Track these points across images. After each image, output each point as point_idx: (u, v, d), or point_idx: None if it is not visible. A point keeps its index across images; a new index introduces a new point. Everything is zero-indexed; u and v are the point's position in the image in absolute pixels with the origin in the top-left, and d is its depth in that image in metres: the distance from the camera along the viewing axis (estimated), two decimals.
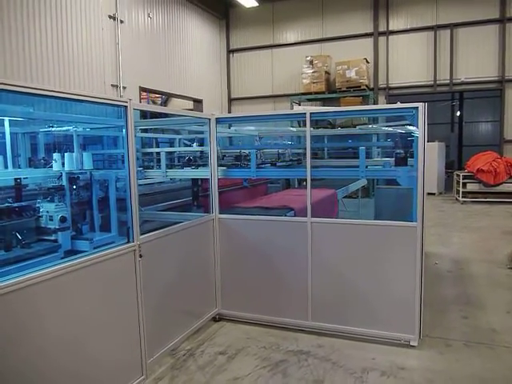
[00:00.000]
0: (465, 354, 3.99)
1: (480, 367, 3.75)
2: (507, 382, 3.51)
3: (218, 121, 4.75)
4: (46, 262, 3.22)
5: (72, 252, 4.00)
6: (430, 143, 12.28)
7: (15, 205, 4.03)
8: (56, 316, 2.75)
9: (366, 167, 4.73)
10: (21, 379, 2.56)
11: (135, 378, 3.45)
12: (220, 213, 4.73)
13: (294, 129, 9.89)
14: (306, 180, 4.42)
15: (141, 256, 3.46)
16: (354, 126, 12.31)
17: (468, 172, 14.04)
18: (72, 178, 4.33)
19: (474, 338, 4.30)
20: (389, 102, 15.50)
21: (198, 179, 5.51)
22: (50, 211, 4.05)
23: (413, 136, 4.20)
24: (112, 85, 12.09)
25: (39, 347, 2.64)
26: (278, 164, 6.23)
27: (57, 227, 4.01)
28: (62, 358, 2.80)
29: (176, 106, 17.18)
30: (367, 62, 15.82)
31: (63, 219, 4.03)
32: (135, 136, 3.45)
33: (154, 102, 17.53)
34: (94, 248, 3.90)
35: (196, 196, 5.51)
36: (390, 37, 16.18)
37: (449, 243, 8.54)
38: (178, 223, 4.20)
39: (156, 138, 8.90)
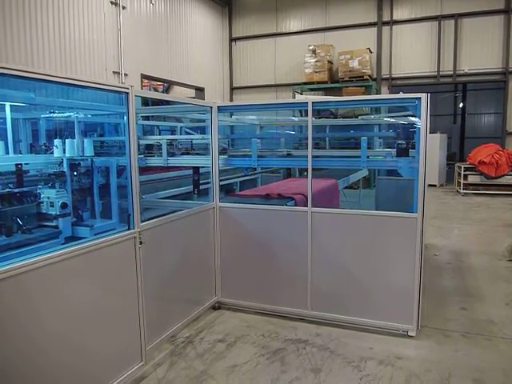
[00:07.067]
0: (463, 344, 4.01)
1: (478, 358, 3.77)
2: (505, 373, 3.53)
3: (220, 109, 4.73)
4: (46, 248, 3.23)
5: (73, 238, 4.01)
6: (431, 134, 12.29)
7: (16, 190, 4.04)
8: (54, 303, 2.75)
9: (368, 157, 4.72)
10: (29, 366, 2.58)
11: (134, 363, 3.47)
12: (220, 201, 4.73)
13: (296, 118, 9.86)
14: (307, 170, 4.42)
15: (141, 243, 3.46)
16: (356, 117, 12.27)
17: (469, 164, 14.01)
18: (73, 165, 4.33)
19: (473, 329, 4.32)
20: (391, 93, 15.42)
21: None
22: (51, 197, 4.06)
23: (415, 127, 4.19)
24: (114, 72, 12.03)
25: (35, 336, 2.65)
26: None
27: (57, 213, 4.02)
28: (58, 346, 2.80)
29: (178, 94, 17.12)
30: (370, 51, 15.72)
31: (64, 205, 4.04)
32: (136, 123, 3.44)
33: (156, 90, 17.45)
34: (95, 234, 3.92)
35: (197, 184, 5.51)
36: (394, 26, 16.05)
37: (449, 235, 8.54)
38: (178, 211, 4.20)
39: (158, 126, 8.88)
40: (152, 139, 6.76)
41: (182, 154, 6.45)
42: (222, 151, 6.07)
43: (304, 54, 16.27)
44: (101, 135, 6.95)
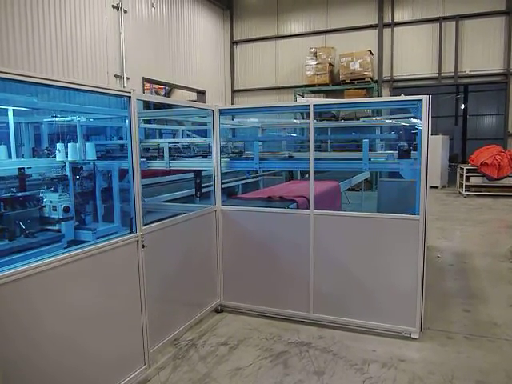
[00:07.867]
0: (466, 346, 4.00)
1: (481, 360, 3.75)
2: (508, 375, 3.52)
3: (221, 112, 4.73)
4: (49, 252, 3.24)
5: (75, 242, 4.02)
6: (433, 136, 12.28)
7: (19, 194, 4.05)
8: (57, 307, 2.76)
9: (369, 160, 4.71)
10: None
11: (137, 367, 3.47)
12: (222, 204, 4.74)
13: (298, 121, 9.86)
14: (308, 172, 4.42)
15: (143, 246, 3.47)
16: (358, 119, 12.28)
17: (471, 165, 13.98)
18: (75, 168, 4.34)
19: (476, 331, 4.30)
20: (393, 95, 15.42)
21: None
22: (54, 201, 4.07)
23: (416, 129, 4.18)
24: (115, 75, 12.06)
25: (38, 339, 2.65)
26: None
27: (60, 217, 4.03)
28: (61, 349, 2.80)
29: (179, 97, 17.14)
30: (371, 54, 15.72)
31: (66, 209, 4.05)
32: (138, 127, 3.44)
33: (158, 93, 17.49)
34: (97, 238, 3.92)
35: (199, 187, 5.52)
36: (395, 28, 16.06)
37: (451, 237, 8.53)
38: (180, 214, 4.20)
39: (159, 129, 8.90)
40: (154, 142, 6.79)
41: (185, 156, 6.47)
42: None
43: (305, 57, 16.29)
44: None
